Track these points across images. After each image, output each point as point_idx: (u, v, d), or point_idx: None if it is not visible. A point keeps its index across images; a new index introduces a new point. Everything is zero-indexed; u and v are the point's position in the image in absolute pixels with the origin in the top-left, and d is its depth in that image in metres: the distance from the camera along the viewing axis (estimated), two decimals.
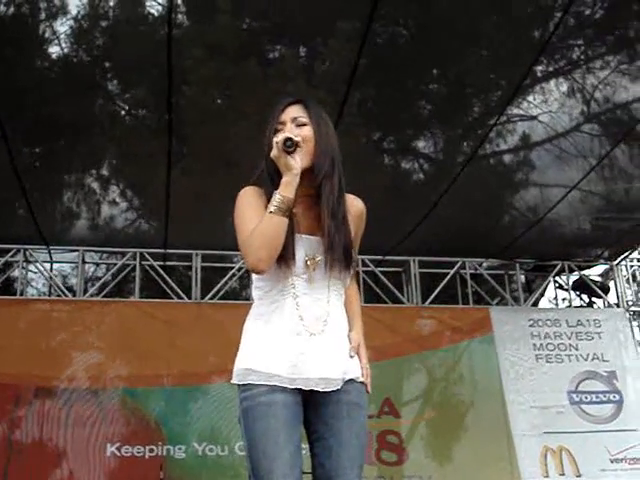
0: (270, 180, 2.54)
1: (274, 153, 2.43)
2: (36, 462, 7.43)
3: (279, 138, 2.44)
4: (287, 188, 2.42)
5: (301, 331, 2.45)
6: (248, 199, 2.55)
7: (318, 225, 2.53)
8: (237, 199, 2.57)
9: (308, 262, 2.50)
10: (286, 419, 2.39)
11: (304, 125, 2.59)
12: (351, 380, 2.51)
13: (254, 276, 2.56)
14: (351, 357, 2.55)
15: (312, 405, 2.47)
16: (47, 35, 5.80)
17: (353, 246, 2.59)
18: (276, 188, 2.46)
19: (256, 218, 2.45)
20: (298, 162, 2.44)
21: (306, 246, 2.51)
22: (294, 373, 2.41)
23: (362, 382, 2.55)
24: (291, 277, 2.48)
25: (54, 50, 5.94)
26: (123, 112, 6.80)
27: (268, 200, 2.47)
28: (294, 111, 2.62)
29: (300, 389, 2.43)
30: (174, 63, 5.63)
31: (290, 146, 2.43)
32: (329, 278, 2.53)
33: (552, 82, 6.47)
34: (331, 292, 2.53)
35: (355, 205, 2.69)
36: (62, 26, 5.72)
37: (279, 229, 2.40)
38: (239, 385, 2.47)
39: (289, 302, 2.48)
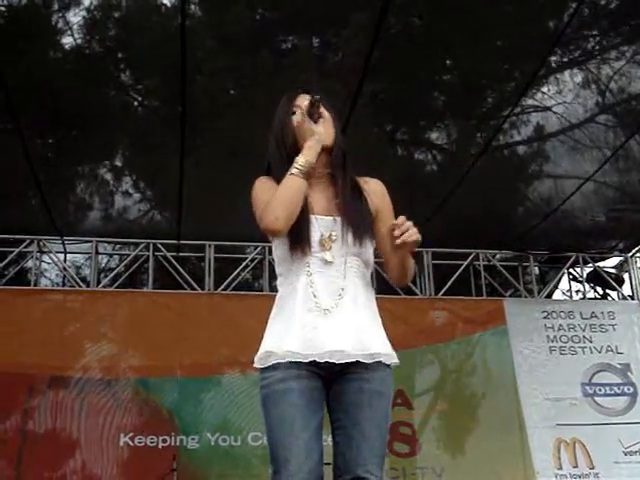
0: (286, 161, 2.55)
1: (297, 119, 2.51)
2: (49, 452, 7.46)
3: (304, 104, 2.53)
4: (310, 152, 2.48)
5: (313, 308, 2.45)
6: (265, 184, 2.59)
7: (332, 206, 2.57)
8: (253, 189, 2.60)
9: (323, 242, 2.51)
10: (301, 406, 2.38)
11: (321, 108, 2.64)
12: (375, 363, 2.46)
13: (275, 263, 2.61)
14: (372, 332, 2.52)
15: (334, 393, 2.46)
16: (60, 26, 5.81)
17: (369, 224, 2.61)
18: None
19: (267, 194, 2.50)
20: (321, 130, 2.52)
21: (321, 226, 2.52)
22: (308, 348, 2.40)
23: (387, 364, 2.50)
24: (306, 257, 2.49)
25: (67, 41, 5.95)
26: (136, 103, 6.81)
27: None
28: (307, 98, 2.66)
29: (320, 374, 2.42)
30: (187, 54, 5.63)
31: (314, 106, 2.51)
32: (345, 255, 2.52)
33: (567, 73, 6.44)
34: (347, 269, 2.52)
35: (372, 185, 2.72)
36: (75, 17, 5.73)
37: (299, 189, 2.44)
38: (260, 370, 2.47)
39: (303, 281, 2.48)
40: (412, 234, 2.38)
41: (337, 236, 2.52)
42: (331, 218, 2.54)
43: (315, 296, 2.46)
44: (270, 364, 2.42)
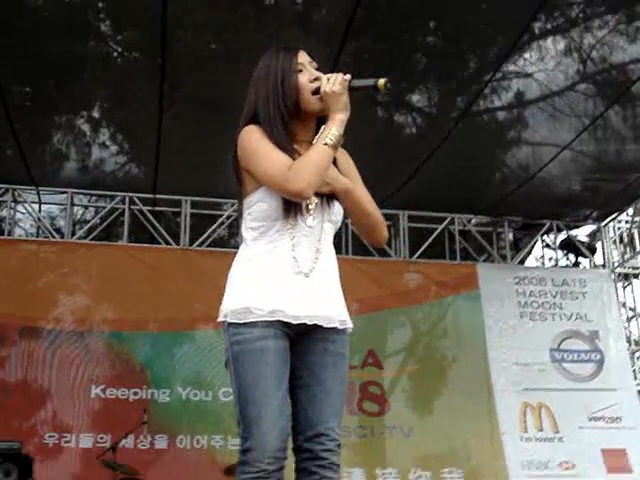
0: (284, 118, 2.53)
1: (336, 89, 2.47)
2: (20, 402, 7.47)
3: (347, 76, 2.50)
4: (342, 126, 2.49)
5: (295, 270, 2.47)
6: (259, 134, 2.51)
7: None
8: (246, 135, 2.52)
9: (307, 205, 2.52)
10: (276, 366, 2.40)
11: (318, 70, 2.61)
12: (340, 328, 2.53)
13: (249, 217, 2.56)
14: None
15: (298, 352, 2.49)
16: None
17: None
18: (285, 125, 2.52)
19: (278, 151, 2.46)
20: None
21: None
22: (298, 310, 2.43)
23: (347, 330, 2.57)
24: (293, 219, 2.50)
25: None
26: (116, 54, 6.71)
27: (274, 141, 2.47)
28: (306, 56, 2.64)
29: (289, 334, 2.44)
30: (169, 6, 5.55)
31: (368, 89, 2.55)
32: (323, 221, 2.56)
33: (549, 40, 6.42)
34: (323, 234, 2.56)
35: (339, 152, 2.71)
36: None
37: (330, 161, 2.47)
38: (232, 325, 2.45)
39: (286, 242, 2.49)
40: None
41: (317, 201, 2.54)
42: None
43: (296, 260, 2.48)
44: (248, 321, 2.41)
